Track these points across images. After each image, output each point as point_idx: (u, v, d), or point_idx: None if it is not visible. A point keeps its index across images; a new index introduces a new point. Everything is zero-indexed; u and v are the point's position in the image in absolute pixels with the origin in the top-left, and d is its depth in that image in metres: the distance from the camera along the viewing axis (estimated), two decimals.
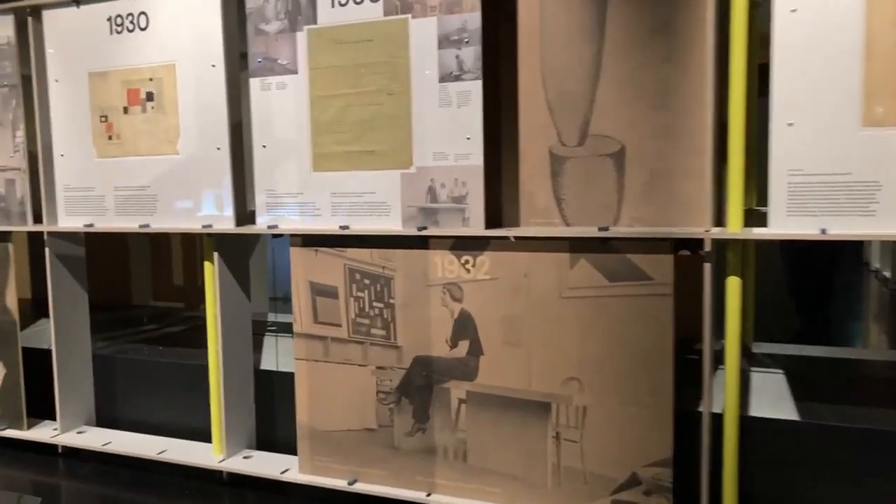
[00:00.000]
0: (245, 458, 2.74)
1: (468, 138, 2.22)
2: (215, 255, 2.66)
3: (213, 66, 2.56)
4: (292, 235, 2.51)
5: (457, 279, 2.30)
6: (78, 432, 3.05)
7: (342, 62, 2.37)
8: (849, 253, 4.40)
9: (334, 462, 2.52)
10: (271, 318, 3.54)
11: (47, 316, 3.01)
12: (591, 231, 2.13)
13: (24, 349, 3.08)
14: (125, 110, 2.75)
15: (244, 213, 2.64)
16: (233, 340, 2.73)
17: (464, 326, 2.31)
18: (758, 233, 1.99)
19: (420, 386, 2.38)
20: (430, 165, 2.29)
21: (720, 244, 2.06)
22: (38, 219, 2.97)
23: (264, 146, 2.53)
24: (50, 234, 2.95)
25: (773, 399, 2.30)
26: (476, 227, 2.24)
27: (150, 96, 2.69)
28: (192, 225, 2.67)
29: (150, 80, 2.69)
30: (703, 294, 2.04)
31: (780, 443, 2.16)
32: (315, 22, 2.39)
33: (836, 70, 1.86)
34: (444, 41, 2.22)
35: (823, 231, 1.89)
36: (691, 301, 2.06)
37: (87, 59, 2.79)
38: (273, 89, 2.48)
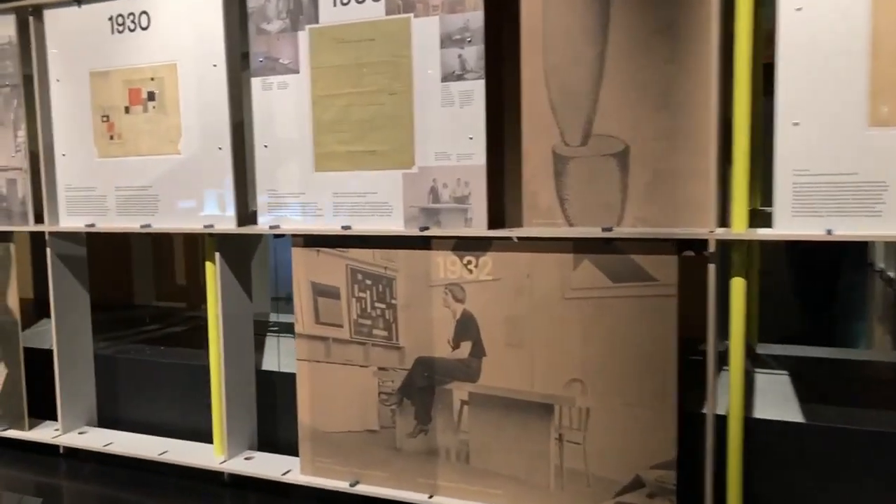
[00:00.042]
0: (246, 459, 2.73)
1: (470, 138, 2.21)
2: (217, 255, 2.65)
3: (215, 65, 2.55)
4: (294, 236, 2.50)
5: (459, 280, 2.29)
6: (79, 433, 3.05)
7: (344, 61, 2.36)
8: (854, 253, 4.37)
9: (336, 463, 2.50)
10: (273, 318, 3.53)
11: (49, 316, 3.00)
12: (594, 231, 2.12)
13: (26, 349, 3.07)
14: (126, 110, 2.74)
15: (246, 214, 2.63)
16: (234, 341, 2.72)
17: (466, 327, 2.29)
18: (763, 233, 1.98)
19: (422, 387, 2.37)
20: (433, 165, 2.27)
21: (725, 245, 2.04)
22: (39, 219, 2.96)
23: (266, 146, 2.52)
24: (51, 234, 2.94)
25: (778, 401, 2.28)
26: (478, 227, 2.22)
27: (151, 96, 2.69)
28: (194, 225, 2.66)
29: (152, 79, 2.68)
30: (707, 295, 2.02)
31: (785, 445, 2.14)
32: (317, 21, 2.38)
33: (842, 69, 1.84)
34: (447, 40, 2.21)
35: (829, 232, 1.88)
36: (695, 301, 2.05)
37: (89, 58, 2.79)
38: (274, 89, 2.47)
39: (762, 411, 2.20)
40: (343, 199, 2.42)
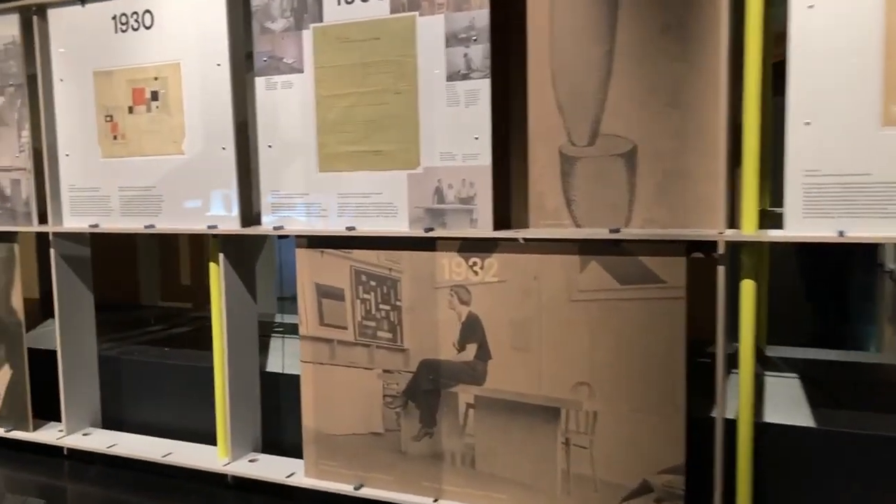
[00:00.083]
0: (251, 461, 2.72)
1: (476, 138, 2.19)
2: (221, 256, 2.64)
3: (219, 64, 2.53)
4: (298, 236, 2.48)
5: (464, 281, 2.27)
6: (83, 434, 3.04)
7: (348, 61, 2.33)
8: (863, 254, 4.33)
9: (340, 466, 2.48)
10: (278, 318, 3.51)
11: (54, 316, 3.00)
12: (601, 233, 2.09)
13: (31, 350, 3.07)
14: (130, 110, 2.73)
15: (250, 214, 2.61)
16: (238, 342, 2.71)
17: (472, 329, 2.27)
18: (773, 235, 1.95)
19: (427, 390, 2.35)
20: (438, 166, 2.25)
21: (734, 247, 2.01)
22: (43, 219, 2.95)
23: (270, 146, 2.50)
24: (55, 234, 2.93)
25: (788, 404, 2.26)
26: (484, 228, 2.20)
27: (154, 96, 2.67)
28: (198, 226, 2.64)
29: (156, 79, 2.66)
30: (716, 297, 1.99)
31: (796, 450, 2.11)
32: (321, 20, 2.36)
33: (855, 68, 1.81)
34: (452, 39, 2.18)
35: (841, 233, 1.85)
36: (703, 303, 2.02)
37: (92, 58, 2.77)
38: (279, 88, 2.45)
39: (772, 415, 2.17)
40: (347, 199, 2.40)
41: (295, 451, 2.65)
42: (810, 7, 1.83)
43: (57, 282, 2.94)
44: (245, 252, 2.74)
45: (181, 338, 3.52)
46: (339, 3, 2.33)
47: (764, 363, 2.53)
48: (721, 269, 1.98)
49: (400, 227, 2.32)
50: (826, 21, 1.82)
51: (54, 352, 3.00)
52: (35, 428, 3.08)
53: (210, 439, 2.80)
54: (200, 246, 3.83)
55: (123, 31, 2.69)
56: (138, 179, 2.75)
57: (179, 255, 4.10)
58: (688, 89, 2.00)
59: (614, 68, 2.07)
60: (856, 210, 1.84)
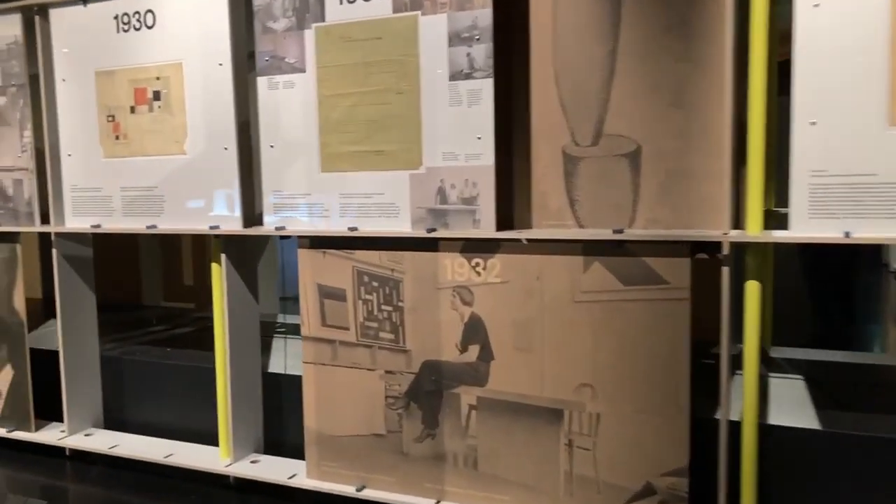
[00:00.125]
0: (252, 462, 2.71)
1: (479, 138, 2.17)
2: (223, 256, 2.63)
3: (221, 64, 2.52)
4: (300, 237, 2.48)
5: (467, 282, 2.25)
6: (85, 435, 3.03)
7: (350, 60, 2.32)
8: (868, 254, 4.31)
9: (342, 468, 2.48)
10: (281, 319, 3.51)
11: (56, 316, 2.99)
12: (605, 233, 2.08)
13: (33, 350, 3.06)
14: (132, 110, 2.72)
15: (252, 214, 2.60)
16: (240, 343, 2.70)
17: (474, 330, 2.26)
18: (778, 236, 1.93)
19: (429, 391, 2.34)
20: (440, 166, 2.24)
21: (739, 247, 2.00)
22: (45, 219, 2.95)
23: (272, 146, 2.49)
24: (57, 234, 2.92)
25: (793, 406, 2.24)
26: (487, 228, 2.19)
27: (156, 95, 2.66)
28: (200, 226, 2.63)
29: (157, 79, 2.65)
30: (720, 298, 1.98)
31: (801, 452, 2.09)
32: (323, 19, 2.35)
33: (861, 67, 1.79)
34: (455, 38, 2.17)
35: (847, 234, 1.83)
36: (708, 304, 2.01)
37: (94, 57, 2.77)
38: (280, 88, 2.44)
39: (777, 417, 2.16)
40: (350, 199, 2.39)
41: (297, 453, 2.64)
42: (816, 5, 1.81)
43: (59, 282, 2.94)
44: (247, 252, 2.74)
45: (183, 338, 3.51)
46: (341, 3, 2.32)
47: (768, 364, 2.51)
48: (725, 270, 1.97)
49: (402, 227, 2.31)
50: (832, 19, 1.80)
51: (56, 352, 3.00)
52: (37, 428, 3.08)
53: (212, 440, 2.79)
54: (203, 246, 3.82)
55: (125, 31, 2.69)
56: (140, 179, 2.74)
57: (182, 256, 4.09)
58: (692, 89, 1.98)
59: (618, 67, 2.06)
60: (862, 210, 1.82)
